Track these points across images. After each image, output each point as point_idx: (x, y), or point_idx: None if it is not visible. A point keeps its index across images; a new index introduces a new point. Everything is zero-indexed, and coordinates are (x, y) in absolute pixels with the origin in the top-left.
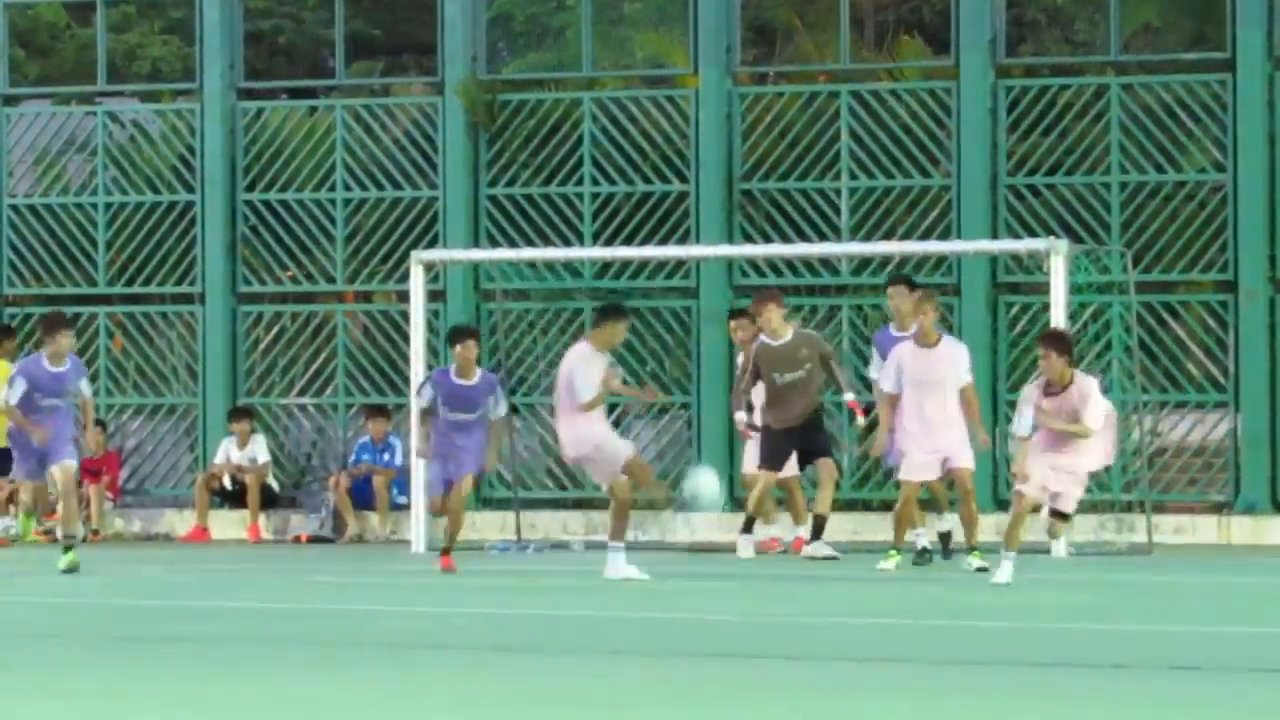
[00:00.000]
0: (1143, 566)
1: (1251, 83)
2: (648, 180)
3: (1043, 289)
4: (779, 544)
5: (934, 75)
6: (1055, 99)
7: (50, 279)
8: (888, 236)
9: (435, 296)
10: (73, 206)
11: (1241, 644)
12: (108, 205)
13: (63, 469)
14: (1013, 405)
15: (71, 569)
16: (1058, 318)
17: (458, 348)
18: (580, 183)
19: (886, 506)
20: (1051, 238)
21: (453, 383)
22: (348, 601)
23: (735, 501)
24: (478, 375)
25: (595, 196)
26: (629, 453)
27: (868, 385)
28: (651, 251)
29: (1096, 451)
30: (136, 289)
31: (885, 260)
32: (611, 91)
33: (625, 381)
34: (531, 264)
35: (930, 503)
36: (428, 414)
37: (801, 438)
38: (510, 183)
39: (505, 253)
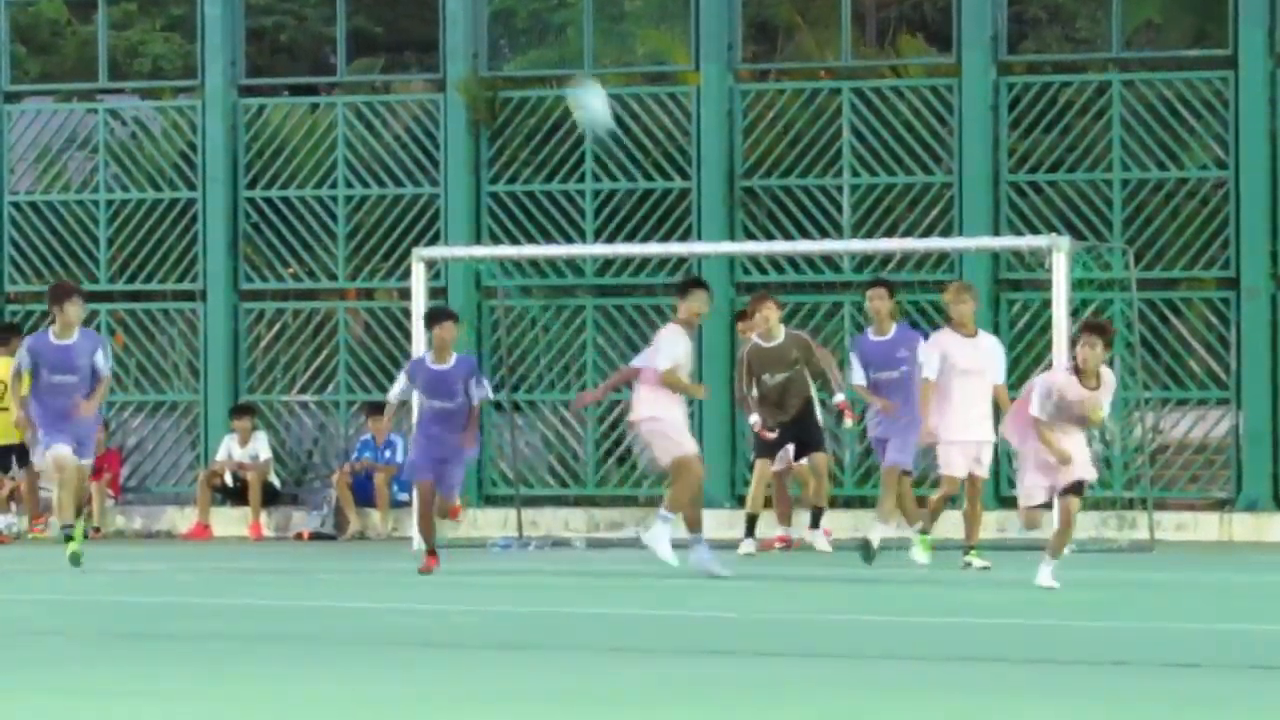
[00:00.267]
0: (1144, 564)
1: (1253, 80)
2: (649, 177)
3: (1044, 286)
4: (784, 541)
5: (935, 72)
6: (1057, 96)
7: (52, 276)
8: (889, 233)
9: (436, 294)
10: (74, 204)
11: (1243, 641)
12: (109, 202)
13: (78, 468)
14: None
15: (75, 560)
16: (1059, 315)
17: (435, 329)
18: (581, 180)
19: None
20: (1053, 235)
21: (430, 369)
22: (349, 599)
23: (738, 500)
24: (453, 359)
25: (596, 194)
26: (689, 452)
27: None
28: (653, 248)
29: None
30: (138, 286)
31: (887, 257)
32: (613, 88)
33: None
34: (533, 261)
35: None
36: (401, 406)
37: (796, 430)
38: (512, 180)
39: (507, 250)
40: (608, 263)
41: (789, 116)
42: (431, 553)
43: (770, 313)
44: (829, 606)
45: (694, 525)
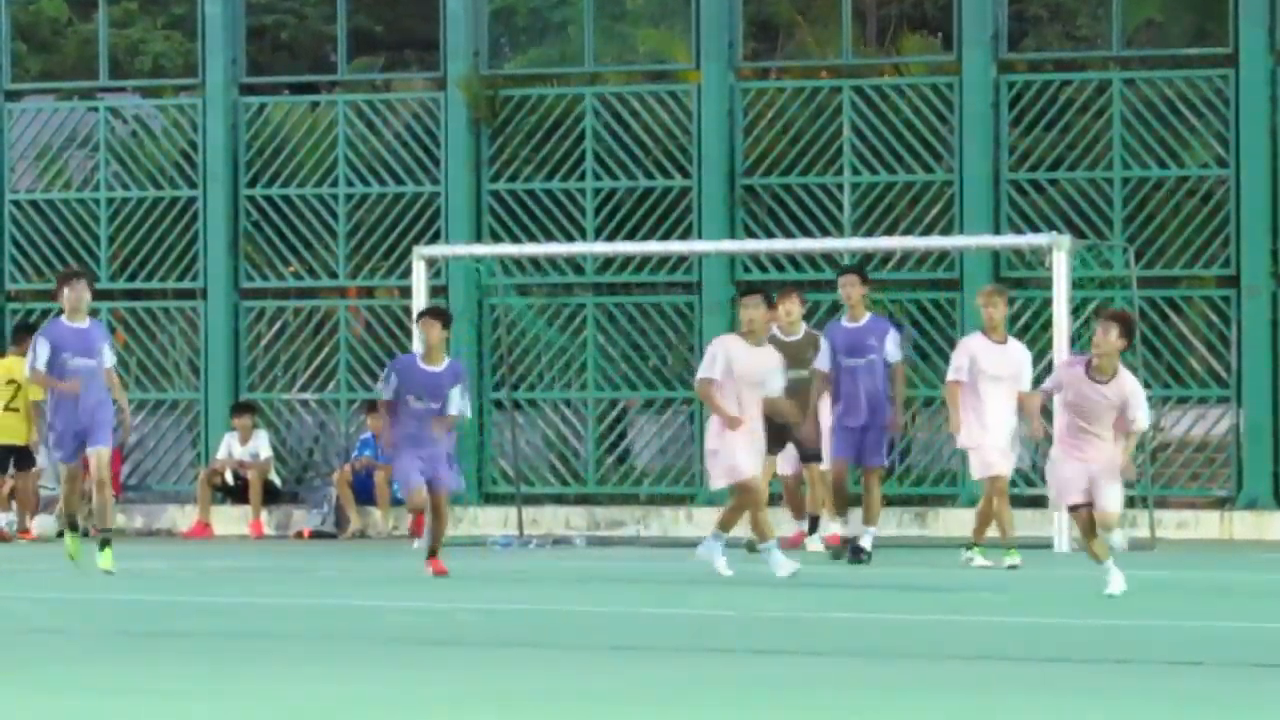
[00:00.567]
0: (1145, 562)
1: (1254, 78)
2: (650, 175)
3: (1045, 284)
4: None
5: (936, 70)
6: (1057, 94)
7: (53, 274)
8: (890, 232)
9: (437, 292)
10: (75, 202)
11: (1244, 639)
12: (110, 200)
13: (98, 455)
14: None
15: (109, 570)
16: (1060, 313)
17: (422, 329)
18: (582, 178)
19: (897, 504)
20: (1054, 233)
21: (419, 368)
22: (350, 597)
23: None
24: (445, 362)
25: (597, 192)
26: (748, 476)
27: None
28: (654, 247)
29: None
30: (138, 284)
31: (887, 255)
32: (613, 87)
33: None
34: (534, 259)
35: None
36: (391, 405)
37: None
38: (512, 178)
39: (507, 248)
40: (608, 261)
41: (789, 115)
42: (434, 554)
43: (793, 306)
44: (829, 606)
45: (763, 536)
